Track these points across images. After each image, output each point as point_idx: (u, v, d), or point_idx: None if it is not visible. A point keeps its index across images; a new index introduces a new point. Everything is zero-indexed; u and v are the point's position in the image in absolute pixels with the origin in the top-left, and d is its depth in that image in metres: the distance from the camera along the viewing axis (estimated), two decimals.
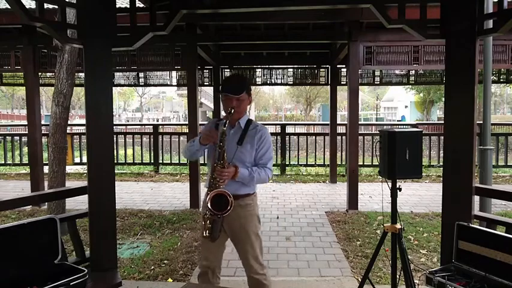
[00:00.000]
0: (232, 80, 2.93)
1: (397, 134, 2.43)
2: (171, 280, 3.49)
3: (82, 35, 2.75)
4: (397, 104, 44.84)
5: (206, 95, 26.86)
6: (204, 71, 8.17)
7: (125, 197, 6.57)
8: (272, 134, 10.48)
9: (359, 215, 5.47)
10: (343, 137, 8.74)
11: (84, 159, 8.62)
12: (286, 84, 8.70)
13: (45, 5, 2.68)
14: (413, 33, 2.72)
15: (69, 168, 8.01)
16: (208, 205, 2.24)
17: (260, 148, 2.46)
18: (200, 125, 5.97)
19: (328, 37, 6.63)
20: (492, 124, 7.87)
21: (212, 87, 8.39)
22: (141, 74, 7.87)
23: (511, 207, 5.84)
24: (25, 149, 8.85)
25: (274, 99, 49.77)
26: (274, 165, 9.16)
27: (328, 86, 8.32)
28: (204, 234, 2.31)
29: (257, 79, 8.45)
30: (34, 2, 2.59)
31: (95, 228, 2.80)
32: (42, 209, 5.63)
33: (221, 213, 2.23)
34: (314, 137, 11.51)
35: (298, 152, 9.14)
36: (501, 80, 8.03)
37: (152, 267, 3.76)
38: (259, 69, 8.34)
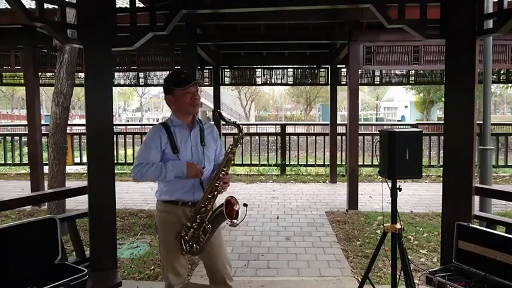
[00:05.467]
0: (185, 71, 2.80)
1: (397, 134, 2.43)
2: None
3: (82, 35, 2.75)
4: (397, 104, 44.84)
5: (206, 95, 26.89)
6: (204, 71, 8.17)
7: (125, 197, 6.57)
8: (272, 134, 10.52)
9: (359, 215, 5.47)
10: (343, 137, 8.74)
11: (84, 159, 8.62)
12: (286, 84, 8.69)
13: (45, 5, 2.68)
14: (413, 33, 2.72)
15: (69, 168, 8.01)
16: (225, 215, 2.14)
17: (218, 146, 2.47)
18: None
19: (328, 37, 6.63)
20: (492, 124, 7.88)
21: (212, 87, 8.39)
22: (141, 74, 7.85)
23: (511, 207, 5.84)
24: (25, 149, 8.85)
25: (274, 99, 49.76)
26: (274, 165, 9.23)
27: (328, 86, 8.32)
28: (185, 250, 2.22)
29: (257, 79, 8.45)
30: (34, 2, 2.59)
31: (95, 228, 2.80)
32: (42, 209, 5.63)
33: (233, 222, 2.15)
34: (314, 137, 11.51)
35: (298, 152, 9.14)
36: (501, 80, 8.02)
37: (152, 267, 3.75)
38: (259, 69, 8.34)
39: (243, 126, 2.47)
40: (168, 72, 7.94)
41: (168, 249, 2.31)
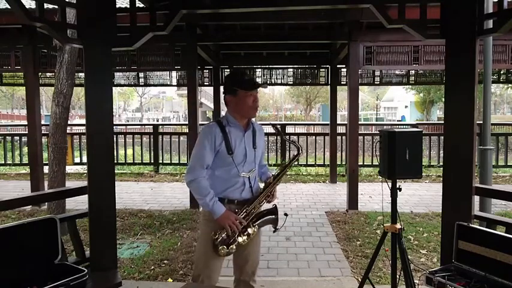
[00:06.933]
0: (247, 72, 2.78)
1: (397, 134, 2.42)
2: (171, 280, 3.49)
3: (82, 35, 2.75)
4: (397, 104, 44.85)
5: (206, 95, 26.88)
6: (204, 71, 8.17)
7: (124, 197, 6.57)
8: (272, 134, 10.50)
9: (359, 215, 5.47)
10: (343, 137, 8.74)
11: (84, 159, 8.62)
12: (286, 84, 8.70)
13: (45, 5, 2.68)
14: (413, 33, 2.72)
15: (69, 168, 8.01)
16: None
17: (263, 148, 2.49)
18: (200, 124, 5.97)
19: (328, 37, 6.63)
20: (492, 124, 7.88)
21: (212, 87, 8.38)
22: (141, 74, 7.87)
23: (511, 207, 5.84)
24: (25, 149, 8.85)
25: (274, 99, 49.76)
26: (274, 165, 9.21)
27: (328, 86, 8.32)
28: (224, 251, 2.20)
29: (257, 79, 8.44)
30: (34, 2, 2.59)
31: (95, 228, 2.80)
32: (42, 209, 5.63)
33: (277, 228, 2.31)
34: (314, 137, 11.48)
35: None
36: (501, 80, 8.03)
37: (152, 267, 3.76)
38: (259, 69, 8.34)
39: None
40: (168, 72, 7.97)
41: (206, 249, 2.25)
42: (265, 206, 2.36)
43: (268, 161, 9.43)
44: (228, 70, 8.31)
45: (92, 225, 2.81)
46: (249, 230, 2.24)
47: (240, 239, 2.21)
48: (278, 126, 2.63)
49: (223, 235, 2.19)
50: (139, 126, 19.05)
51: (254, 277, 2.41)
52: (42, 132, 6.61)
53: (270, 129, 14.14)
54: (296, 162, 2.55)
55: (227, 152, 2.21)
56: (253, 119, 2.40)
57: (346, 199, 5.92)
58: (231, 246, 2.21)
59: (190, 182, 2.22)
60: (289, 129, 11.08)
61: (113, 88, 3.56)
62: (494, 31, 2.57)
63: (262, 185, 2.40)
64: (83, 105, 9.81)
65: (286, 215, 2.35)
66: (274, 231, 2.34)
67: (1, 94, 36.22)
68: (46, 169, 5.20)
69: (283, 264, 3.84)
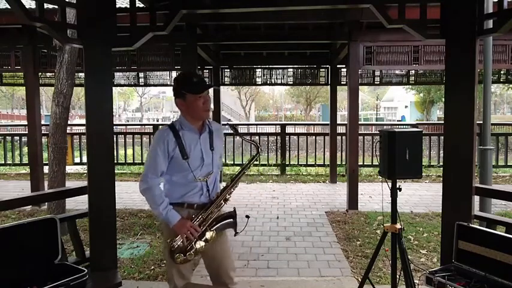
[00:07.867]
0: (196, 73, 2.58)
1: (397, 134, 2.43)
2: None
3: (82, 35, 2.75)
4: (397, 104, 44.86)
5: None
6: (204, 71, 8.16)
7: (124, 197, 6.57)
8: (272, 134, 10.51)
9: (359, 215, 5.47)
10: (343, 137, 8.74)
11: (84, 159, 8.62)
12: (286, 84, 8.70)
13: (45, 5, 2.68)
14: (413, 33, 2.72)
15: (69, 168, 8.01)
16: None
17: (222, 149, 2.46)
18: None
19: (328, 37, 6.63)
20: (492, 124, 7.88)
21: (212, 87, 8.37)
22: (141, 74, 7.85)
23: (511, 207, 5.84)
24: (25, 149, 8.85)
25: (274, 99, 49.76)
26: (274, 165, 9.23)
27: (328, 86, 8.32)
28: (180, 259, 2.15)
29: (257, 79, 8.45)
30: (34, 2, 2.59)
31: (95, 228, 2.80)
32: (42, 209, 5.63)
33: (237, 232, 2.26)
34: (314, 137, 11.49)
35: (298, 152, 9.14)
36: (501, 80, 8.03)
37: (152, 267, 3.76)
38: (259, 69, 8.34)
39: (239, 127, 2.48)
40: (168, 72, 7.95)
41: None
42: (225, 209, 2.30)
43: (268, 161, 9.44)
44: (228, 70, 8.32)
45: (92, 225, 2.81)
46: (207, 235, 2.16)
47: (197, 245, 2.14)
48: (235, 125, 2.51)
49: (178, 242, 2.14)
50: (139, 126, 19.04)
51: (233, 280, 2.34)
52: (42, 132, 6.61)
53: (270, 130, 14.13)
54: (256, 162, 2.41)
55: (182, 157, 2.15)
56: (208, 120, 2.31)
57: (346, 199, 5.92)
58: (189, 253, 2.14)
59: (144, 190, 2.18)
60: (289, 129, 11.06)
61: (113, 88, 3.56)
62: (494, 31, 2.57)
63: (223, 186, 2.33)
64: (83, 105, 9.81)
65: (247, 217, 2.30)
66: (234, 235, 2.26)
67: (1, 94, 36.21)
68: (46, 169, 5.20)
69: (283, 264, 3.84)
